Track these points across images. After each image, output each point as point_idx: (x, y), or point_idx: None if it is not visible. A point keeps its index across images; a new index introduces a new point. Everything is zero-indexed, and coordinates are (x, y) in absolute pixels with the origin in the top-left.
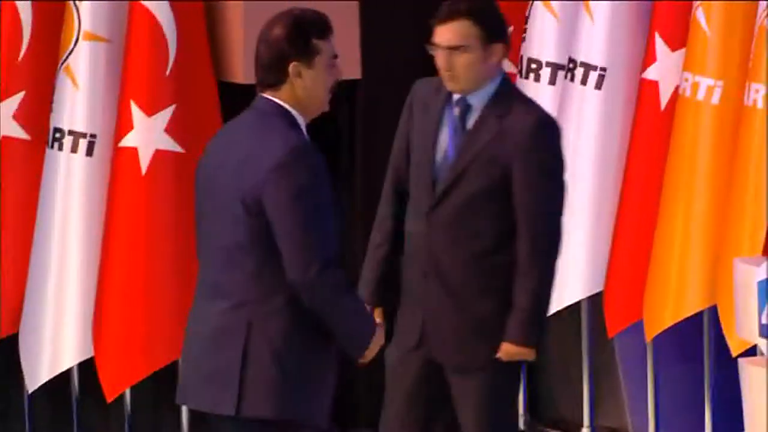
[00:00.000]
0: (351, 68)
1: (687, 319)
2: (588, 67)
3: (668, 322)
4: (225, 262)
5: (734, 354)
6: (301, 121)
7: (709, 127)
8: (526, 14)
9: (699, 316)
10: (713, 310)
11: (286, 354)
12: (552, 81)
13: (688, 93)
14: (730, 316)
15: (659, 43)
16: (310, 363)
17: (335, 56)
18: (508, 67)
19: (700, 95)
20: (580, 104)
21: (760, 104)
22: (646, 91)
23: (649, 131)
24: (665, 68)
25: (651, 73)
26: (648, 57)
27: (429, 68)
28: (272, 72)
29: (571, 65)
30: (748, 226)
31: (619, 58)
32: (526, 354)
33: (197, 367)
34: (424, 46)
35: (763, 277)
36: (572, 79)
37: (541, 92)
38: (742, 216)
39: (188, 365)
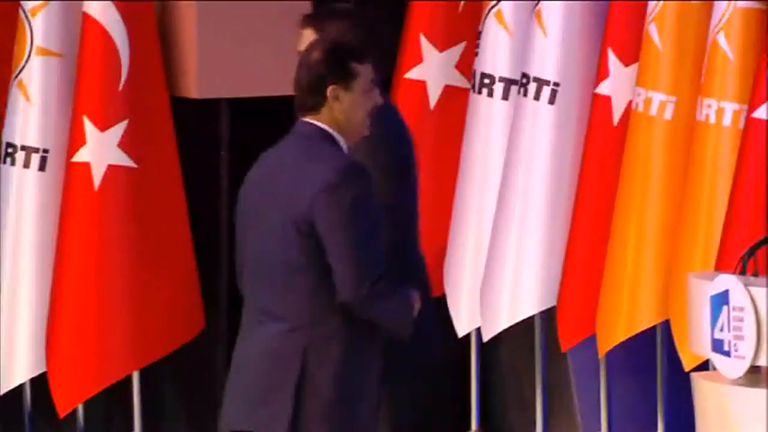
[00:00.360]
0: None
1: (640, 334)
2: (541, 82)
3: (621, 337)
4: (277, 286)
5: (687, 368)
6: (343, 144)
7: (662, 142)
8: (479, 29)
9: (652, 330)
10: (666, 325)
11: (343, 377)
12: (505, 96)
13: (641, 108)
14: (682, 330)
15: (612, 58)
16: (364, 384)
17: (373, 80)
18: (462, 82)
19: (653, 110)
20: (533, 119)
21: (713, 119)
22: (598, 106)
23: (602, 146)
24: (618, 83)
25: (604, 88)
26: (601, 72)
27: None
28: (311, 95)
29: (524, 80)
30: (701, 240)
31: (572, 73)
32: None
33: (248, 391)
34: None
35: (715, 291)
36: (525, 94)
37: (494, 108)
38: (695, 230)
39: (237, 389)
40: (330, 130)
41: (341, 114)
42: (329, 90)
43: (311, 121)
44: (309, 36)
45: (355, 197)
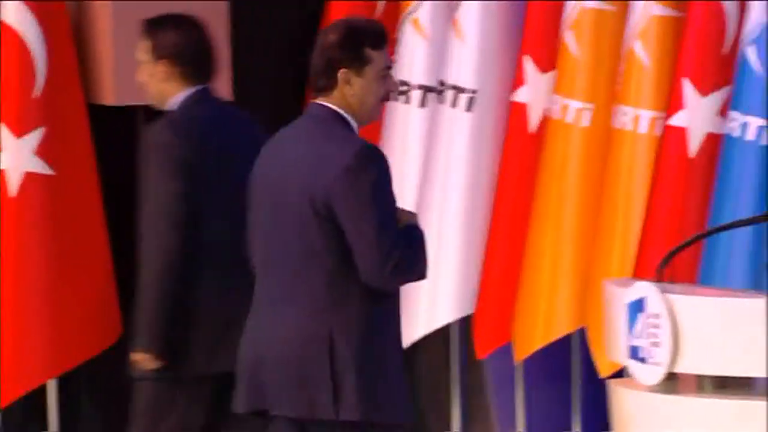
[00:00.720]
0: (222, 89)
1: (556, 341)
2: (458, 90)
3: (538, 345)
4: (295, 269)
5: (602, 375)
6: (355, 126)
7: (579, 149)
8: (396, 35)
9: (568, 337)
10: (582, 332)
11: (370, 351)
12: (422, 103)
13: (557, 115)
14: (598, 337)
15: (529, 65)
16: (389, 366)
17: (388, 67)
18: None
19: (570, 117)
20: (450, 127)
21: (629, 126)
22: (515, 113)
23: (519, 154)
24: (535, 90)
25: (521, 96)
26: (518, 79)
27: (300, 89)
28: (323, 77)
29: (441, 87)
30: (618, 248)
31: (489, 80)
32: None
33: (281, 374)
34: (294, 65)
35: (632, 298)
36: (442, 102)
37: (411, 115)
38: (612, 238)
39: (266, 371)
40: (342, 113)
41: (353, 98)
42: (341, 73)
43: (324, 103)
44: (143, 44)
45: (373, 181)
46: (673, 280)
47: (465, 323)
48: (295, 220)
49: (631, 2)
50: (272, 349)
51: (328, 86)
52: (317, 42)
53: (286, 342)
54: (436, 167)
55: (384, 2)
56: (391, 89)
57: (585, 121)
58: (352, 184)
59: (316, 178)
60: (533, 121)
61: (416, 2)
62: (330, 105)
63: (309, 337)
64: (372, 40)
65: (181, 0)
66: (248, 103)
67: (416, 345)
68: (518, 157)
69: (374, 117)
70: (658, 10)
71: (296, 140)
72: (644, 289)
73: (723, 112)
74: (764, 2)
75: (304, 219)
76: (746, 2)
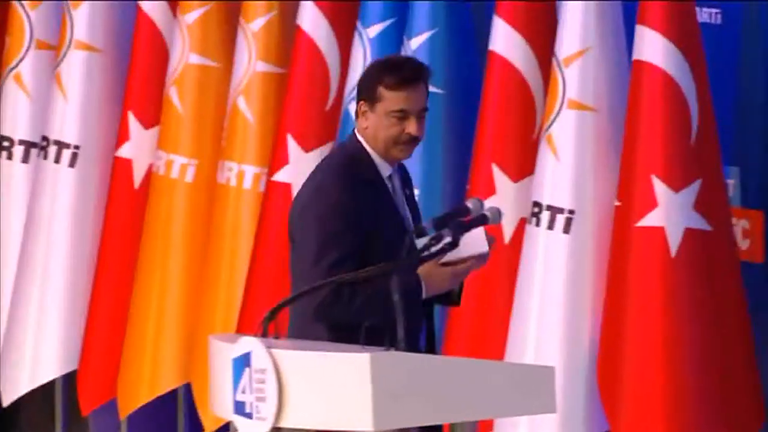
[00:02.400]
0: None
1: (162, 396)
2: (61, 145)
3: (143, 400)
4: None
5: (208, 431)
6: (376, 157)
7: (184, 205)
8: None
9: (174, 392)
10: (188, 387)
11: None
12: (25, 159)
13: (162, 171)
14: (203, 393)
15: (132, 120)
16: None
17: (401, 110)
18: None
19: (174, 173)
20: (54, 182)
21: (234, 182)
22: (119, 168)
23: (124, 209)
24: (139, 146)
25: (124, 151)
26: (121, 135)
27: None
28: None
29: (44, 143)
30: (222, 303)
31: (93, 135)
32: None
33: None
34: None
35: (237, 354)
36: (45, 157)
37: (14, 170)
38: (217, 293)
39: None
40: (363, 143)
41: (366, 131)
42: (359, 105)
43: (355, 130)
44: None
45: (318, 215)
46: (278, 336)
47: (69, 379)
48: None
49: (235, 59)
50: None
51: (356, 115)
52: None
53: None
54: (39, 223)
55: None
56: (412, 133)
57: (189, 176)
58: (300, 216)
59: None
60: (137, 176)
61: (18, 57)
62: (357, 134)
63: None
64: (388, 79)
65: None
66: None
67: (19, 401)
68: (123, 213)
69: (393, 155)
70: (262, 66)
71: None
72: (249, 344)
73: None
74: (362, 59)
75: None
76: (348, 58)
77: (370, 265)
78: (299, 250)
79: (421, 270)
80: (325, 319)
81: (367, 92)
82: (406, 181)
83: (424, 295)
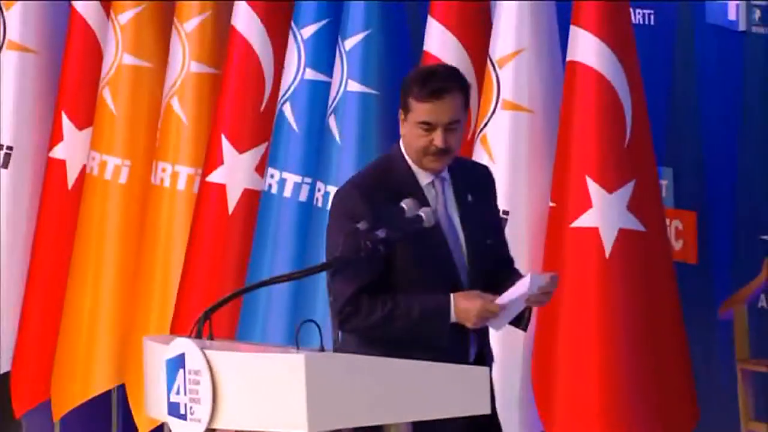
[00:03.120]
0: None
1: (96, 398)
2: None
3: (76, 401)
4: None
5: None
6: (412, 163)
7: (117, 206)
8: None
9: (108, 393)
10: (122, 388)
11: None
12: None
13: (95, 172)
14: (138, 394)
15: (66, 121)
16: None
17: (425, 122)
18: None
19: (108, 174)
20: None
21: (168, 183)
22: (53, 169)
23: (57, 211)
24: (72, 147)
25: (58, 152)
26: (54, 136)
27: None
28: None
29: None
30: (157, 304)
31: (26, 136)
32: None
33: None
34: None
35: (171, 355)
36: None
37: None
38: (151, 294)
39: None
40: (402, 150)
41: (405, 138)
42: (399, 111)
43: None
44: None
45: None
46: (212, 337)
47: (2, 381)
48: None
49: (169, 59)
50: None
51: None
52: None
53: None
54: None
55: None
56: (438, 145)
57: (123, 177)
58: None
59: None
60: (71, 177)
61: None
62: (400, 141)
63: None
64: (417, 91)
65: None
66: None
67: None
68: (56, 214)
69: (425, 165)
70: (196, 67)
71: None
72: (183, 345)
73: (261, 169)
74: (296, 60)
75: None
76: (282, 59)
77: (397, 269)
78: None
79: (459, 296)
80: (350, 331)
81: (402, 101)
82: (469, 186)
83: (452, 320)
